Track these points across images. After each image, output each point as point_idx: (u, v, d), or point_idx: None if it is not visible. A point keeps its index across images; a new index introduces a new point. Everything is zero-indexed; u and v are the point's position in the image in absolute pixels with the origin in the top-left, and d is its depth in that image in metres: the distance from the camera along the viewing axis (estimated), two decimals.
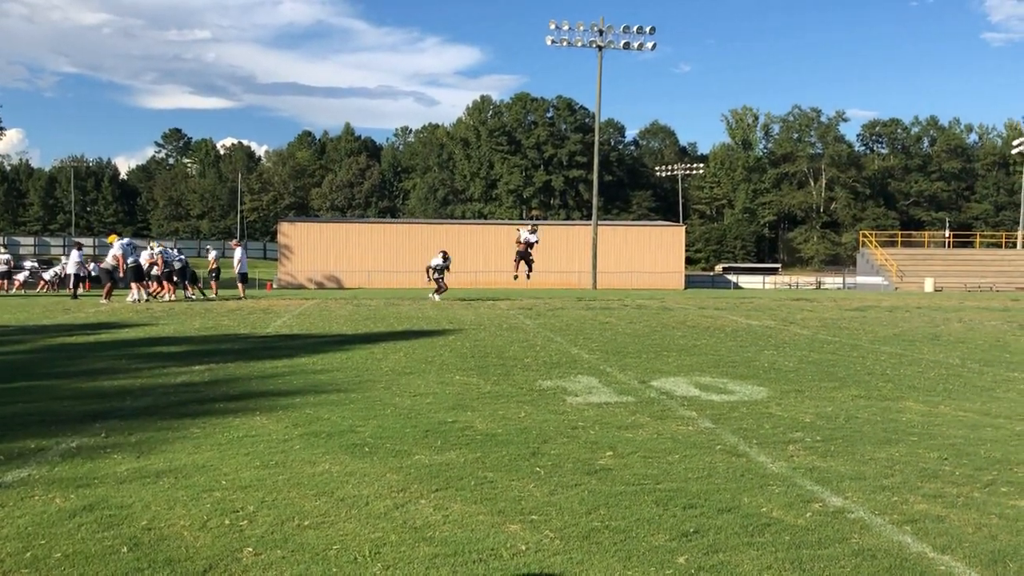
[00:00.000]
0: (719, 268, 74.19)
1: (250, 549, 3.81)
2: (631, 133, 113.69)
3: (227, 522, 4.18)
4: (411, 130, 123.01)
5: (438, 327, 15.43)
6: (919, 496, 4.76)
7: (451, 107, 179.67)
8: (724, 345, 12.76)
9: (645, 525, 4.19)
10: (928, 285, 44.26)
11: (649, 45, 44.95)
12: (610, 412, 7.20)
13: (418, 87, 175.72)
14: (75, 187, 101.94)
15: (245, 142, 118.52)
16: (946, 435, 6.38)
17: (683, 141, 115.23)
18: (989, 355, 11.81)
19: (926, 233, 67.38)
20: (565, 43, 44.58)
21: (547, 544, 3.91)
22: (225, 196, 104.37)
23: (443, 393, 8.07)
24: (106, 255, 23.54)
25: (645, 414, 7.12)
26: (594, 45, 44.64)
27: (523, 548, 3.86)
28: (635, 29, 44.80)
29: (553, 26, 44.47)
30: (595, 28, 44.54)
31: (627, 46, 44.96)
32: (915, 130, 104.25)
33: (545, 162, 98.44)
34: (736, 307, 23.17)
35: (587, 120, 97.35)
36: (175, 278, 24.89)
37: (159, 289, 23.94)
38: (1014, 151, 64.89)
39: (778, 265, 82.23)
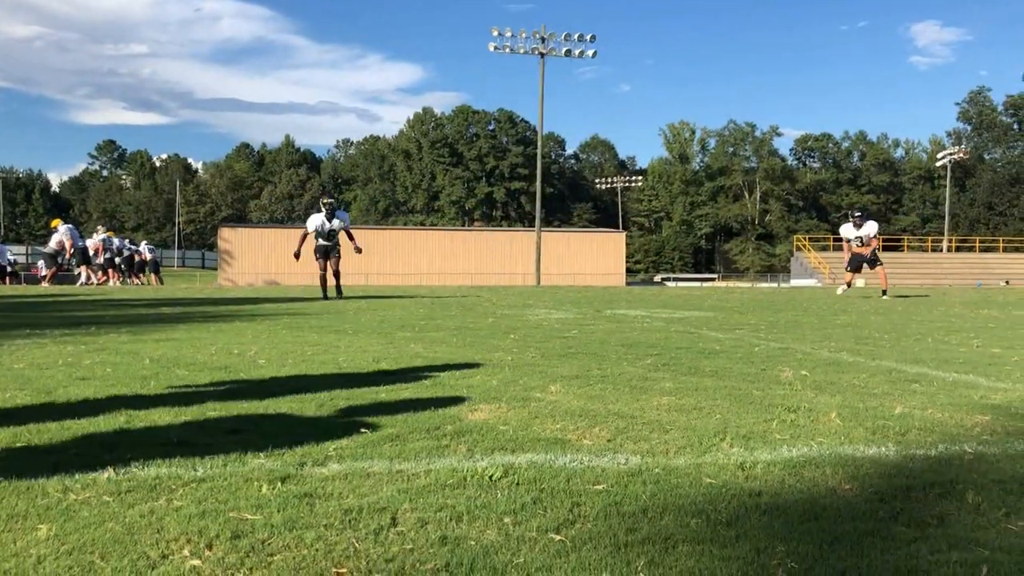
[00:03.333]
0: (658, 278, 75.62)
1: None
2: (571, 147, 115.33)
3: None
4: (352, 142, 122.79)
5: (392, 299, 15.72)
6: (849, 343, 5.32)
7: (393, 123, 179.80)
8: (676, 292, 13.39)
9: (619, 349, 4.72)
10: (859, 283, 46.00)
11: (590, 53, 46.04)
12: (571, 320, 7.69)
13: (360, 103, 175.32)
14: (4, 199, 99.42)
15: (182, 155, 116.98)
16: (874, 325, 7.00)
17: (622, 155, 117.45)
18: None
19: None
20: (508, 49, 45.42)
21: (527, 358, 4.40)
22: (161, 208, 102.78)
23: (409, 316, 8.43)
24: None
25: (602, 320, 7.64)
26: (536, 52, 45.58)
27: (509, 359, 4.32)
28: (576, 37, 45.88)
29: (496, 32, 45.31)
30: (537, 35, 45.47)
31: (568, 53, 46.00)
32: (845, 144, 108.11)
33: (487, 174, 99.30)
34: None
35: (528, 134, 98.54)
36: (122, 266, 24.74)
37: (103, 277, 23.72)
38: (938, 164, 67.83)
39: (715, 276, 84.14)
